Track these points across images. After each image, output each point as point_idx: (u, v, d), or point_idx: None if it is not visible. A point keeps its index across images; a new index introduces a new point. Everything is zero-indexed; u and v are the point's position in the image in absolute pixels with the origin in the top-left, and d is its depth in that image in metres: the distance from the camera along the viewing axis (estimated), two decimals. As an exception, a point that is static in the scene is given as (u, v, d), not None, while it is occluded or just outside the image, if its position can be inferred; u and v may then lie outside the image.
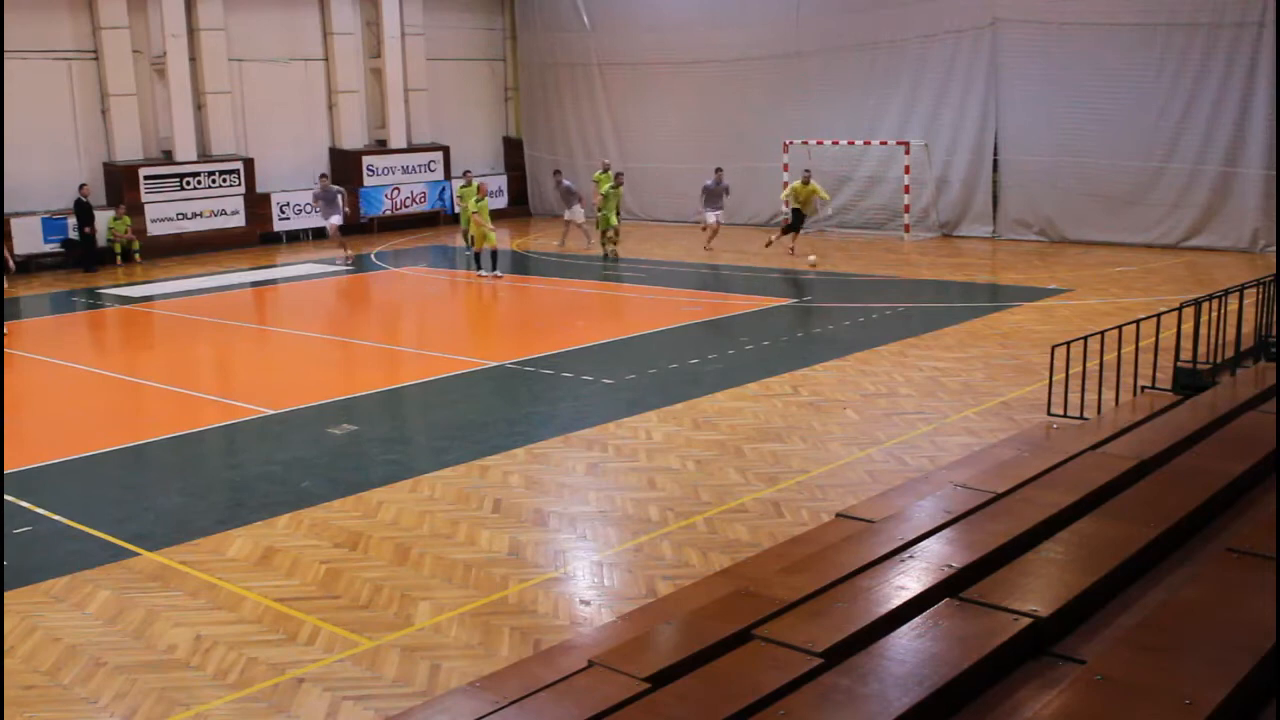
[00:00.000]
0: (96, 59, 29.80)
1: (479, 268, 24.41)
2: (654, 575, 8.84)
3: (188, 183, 30.44)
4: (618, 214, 27.18)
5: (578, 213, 28.40)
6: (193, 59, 30.75)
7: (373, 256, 28.62)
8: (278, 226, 32.12)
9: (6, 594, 8.86)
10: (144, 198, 29.72)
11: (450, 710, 5.87)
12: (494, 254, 24.06)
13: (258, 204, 31.67)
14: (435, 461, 11.76)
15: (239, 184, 31.27)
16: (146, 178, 29.92)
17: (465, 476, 11.30)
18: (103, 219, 28.89)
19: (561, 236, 29.23)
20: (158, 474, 12.13)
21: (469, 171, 29.71)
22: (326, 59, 33.80)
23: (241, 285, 25.11)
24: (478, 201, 24.40)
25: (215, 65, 31.15)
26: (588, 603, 8.54)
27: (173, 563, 9.38)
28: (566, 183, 29.25)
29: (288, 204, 32.31)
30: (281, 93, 32.96)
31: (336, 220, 27.88)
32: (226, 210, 31.02)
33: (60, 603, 8.71)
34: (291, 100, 33.16)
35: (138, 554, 9.58)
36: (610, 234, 26.69)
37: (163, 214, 30.06)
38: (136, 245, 29.11)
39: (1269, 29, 23.49)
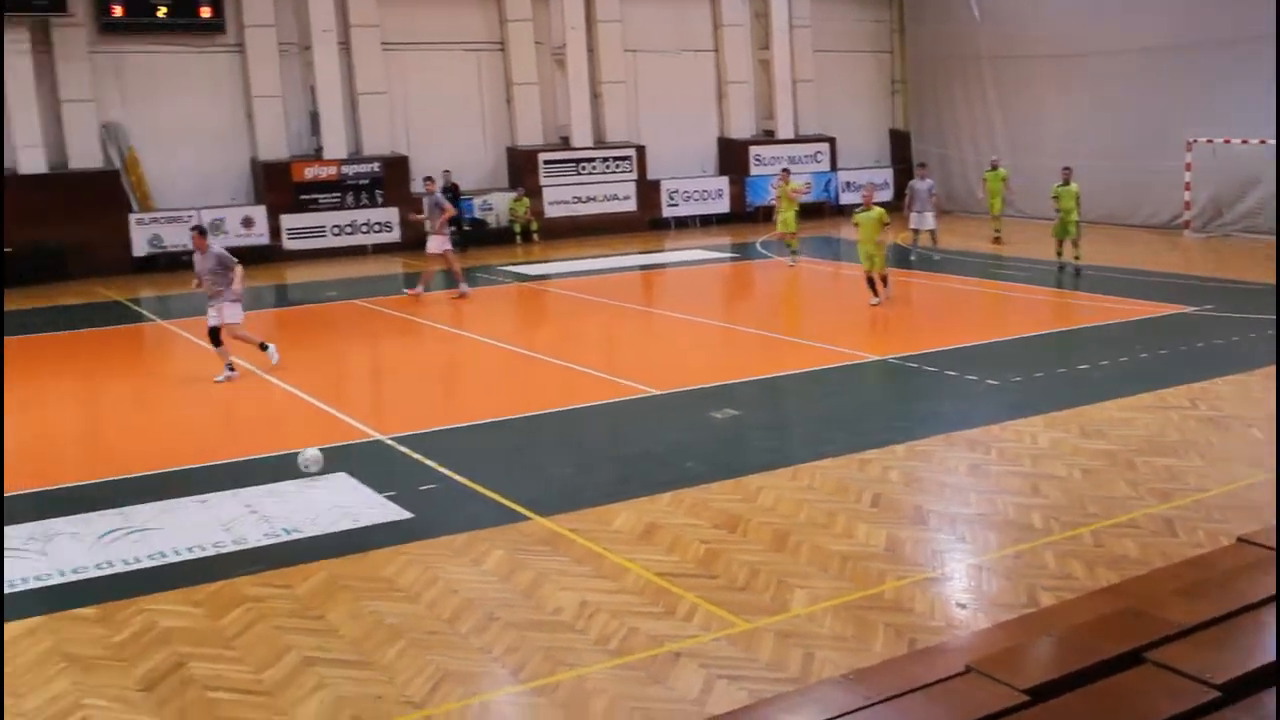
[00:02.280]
0: (503, 50, 31.50)
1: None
2: (1035, 584, 8.59)
3: (583, 168, 31.79)
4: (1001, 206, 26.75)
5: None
6: (590, 50, 32.06)
7: (758, 245, 28.96)
8: (666, 213, 33.06)
9: (413, 544, 9.56)
10: (542, 181, 31.24)
11: (822, 701, 5.89)
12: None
13: (648, 190, 32.69)
14: (814, 452, 11.82)
15: (631, 170, 32.39)
16: (545, 162, 31.43)
17: (844, 468, 11.32)
18: (504, 200, 30.62)
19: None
20: (549, 445, 12.74)
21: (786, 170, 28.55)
22: (716, 50, 34.48)
23: (630, 268, 26.00)
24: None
25: (611, 56, 32.37)
26: (964, 606, 8.39)
27: (561, 529, 9.84)
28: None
29: (676, 191, 33.19)
30: (672, 83, 33.88)
31: (443, 245, 22.76)
32: (618, 195, 32.20)
33: (459, 557, 9.32)
34: (682, 90, 34.02)
35: (529, 518, 10.11)
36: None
37: (559, 197, 31.50)
38: (535, 226, 30.67)
39: None
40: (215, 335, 15.58)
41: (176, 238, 26.69)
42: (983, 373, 14.99)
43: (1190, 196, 27.69)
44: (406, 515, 10.26)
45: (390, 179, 29.51)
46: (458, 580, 8.86)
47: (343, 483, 11.09)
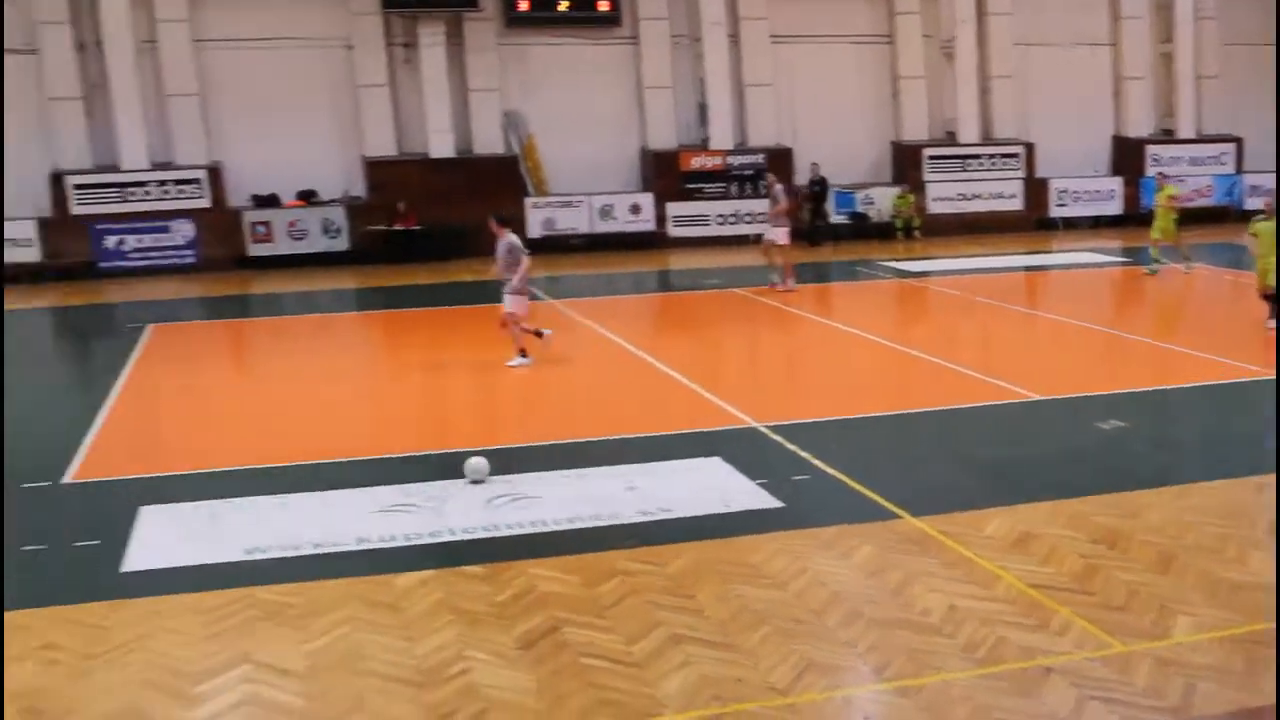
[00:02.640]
0: (890, 43, 31.21)
1: None
2: None
3: (969, 164, 31.12)
4: None
5: None
6: (979, 43, 31.34)
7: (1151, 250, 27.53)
8: (1054, 212, 31.97)
9: (782, 532, 9.66)
10: (925, 177, 30.81)
11: (1207, 733, 5.62)
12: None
13: (1036, 189, 31.70)
14: (1206, 471, 11.16)
15: (1019, 168, 31.50)
16: (930, 157, 30.97)
17: (1238, 491, 10.63)
18: (886, 195, 30.42)
19: None
20: (923, 444, 12.57)
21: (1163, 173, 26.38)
22: (1114, 43, 32.96)
23: (1014, 268, 25.30)
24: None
25: (1001, 49, 31.57)
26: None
27: (932, 531, 9.71)
28: None
29: (1065, 190, 32.03)
30: (1064, 78, 32.70)
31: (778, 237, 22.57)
32: (1004, 193, 31.40)
33: (828, 550, 9.34)
34: (1074, 85, 32.77)
35: (900, 517, 10.02)
36: None
37: (943, 193, 30.99)
38: (917, 222, 30.31)
39: None
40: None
41: (568, 221, 27.94)
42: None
43: None
44: (777, 504, 10.37)
45: (774, 169, 29.77)
46: (825, 572, 8.89)
47: (717, 467, 11.33)
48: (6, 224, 25.99)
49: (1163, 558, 9.14)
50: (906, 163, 30.98)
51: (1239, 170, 33.42)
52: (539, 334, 16.35)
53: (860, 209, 30.32)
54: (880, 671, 7.43)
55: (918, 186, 30.64)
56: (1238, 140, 33.57)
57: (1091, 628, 7.97)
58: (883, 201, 30.58)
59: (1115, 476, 11.02)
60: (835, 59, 31.08)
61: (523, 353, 16.12)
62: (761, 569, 8.96)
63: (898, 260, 26.26)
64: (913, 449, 12.35)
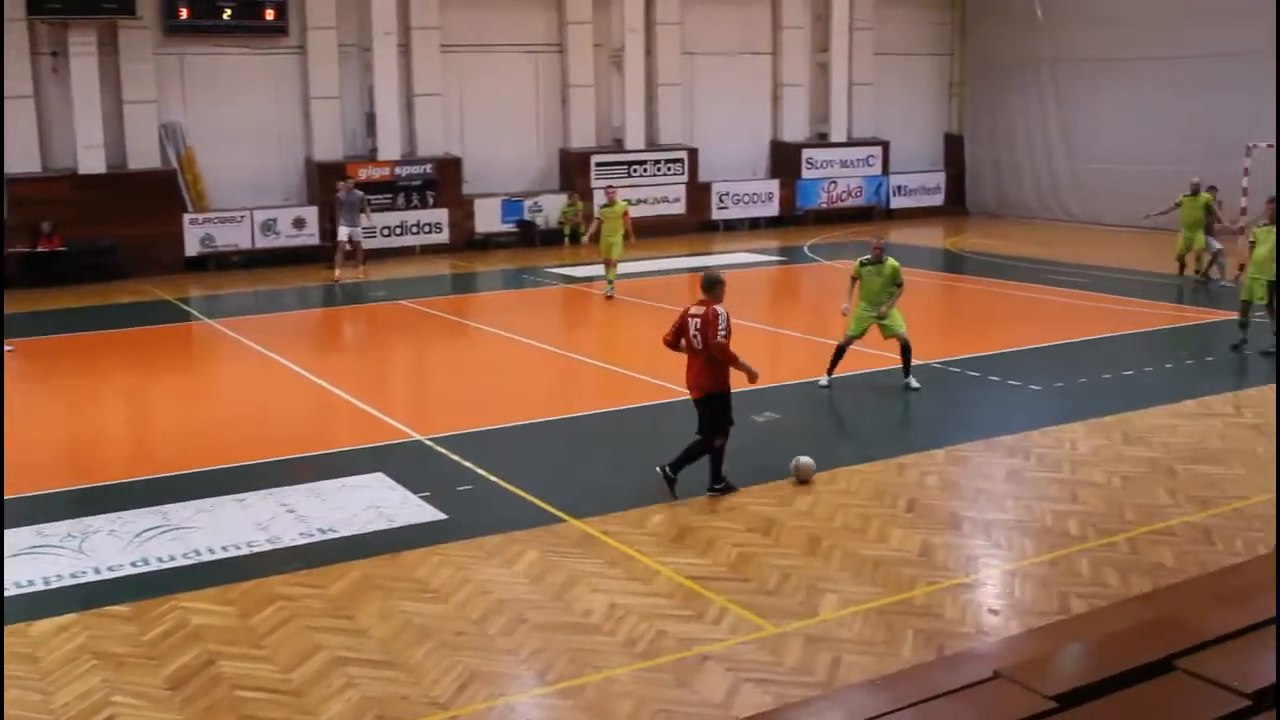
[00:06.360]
0: (561, 52, 31.55)
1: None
2: (1068, 592, 8.50)
3: (634, 170, 31.76)
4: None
5: None
6: (648, 52, 32.03)
7: (806, 249, 28.84)
8: (715, 215, 32.97)
9: (447, 544, 9.59)
10: (593, 183, 31.24)
11: (847, 705, 5.87)
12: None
13: (698, 193, 32.63)
14: (852, 456, 11.76)
15: (683, 173, 32.33)
16: (597, 164, 31.45)
17: (881, 473, 11.25)
18: (555, 202, 30.73)
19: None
20: (587, 447, 12.75)
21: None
22: (774, 52, 34.33)
23: (676, 270, 25.94)
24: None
25: (669, 58, 32.30)
26: (996, 612, 8.32)
27: (595, 531, 9.84)
28: None
29: (727, 194, 33.11)
30: (728, 85, 33.78)
31: (357, 233, 25.49)
32: (669, 198, 32.15)
33: (491, 559, 9.34)
34: (737, 93, 33.92)
35: (563, 520, 10.12)
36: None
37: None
38: (583, 229, 30.58)
39: None
40: None
41: (229, 237, 26.98)
42: (1026, 378, 14.85)
43: (1246, 202, 27.25)
44: (441, 516, 10.30)
45: (443, 180, 29.66)
46: (489, 581, 8.89)
47: (380, 483, 11.15)
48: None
49: (812, 541, 9.57)
50: (575, 170, 31.34)
51: (885, 172, 35.35)
52: None
53: (528, 216, 30.48)
54: (543, 675, 7.48)
55: (586, 193, 31.05)
56: (885, 144, 35.52)
57: (746, 613, 8.26)
58: (551, 209, 30.85)
59: (770, 467, 11.43)
60: (507, 68, 31.11)
61: None
62: (426, 583, 8.88)
63: (565, 266, 26.55)
64: (577, 452, 12.50)
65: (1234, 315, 16.90)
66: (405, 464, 11.80)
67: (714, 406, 10.64)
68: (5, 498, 10.69)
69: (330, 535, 9.88)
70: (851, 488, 10.87)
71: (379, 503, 10.58)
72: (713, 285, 10.80)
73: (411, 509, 10.45)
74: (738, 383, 10.65)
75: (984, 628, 8.04)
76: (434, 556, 9.35)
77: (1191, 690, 5.06)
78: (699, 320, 10.56)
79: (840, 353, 14.75)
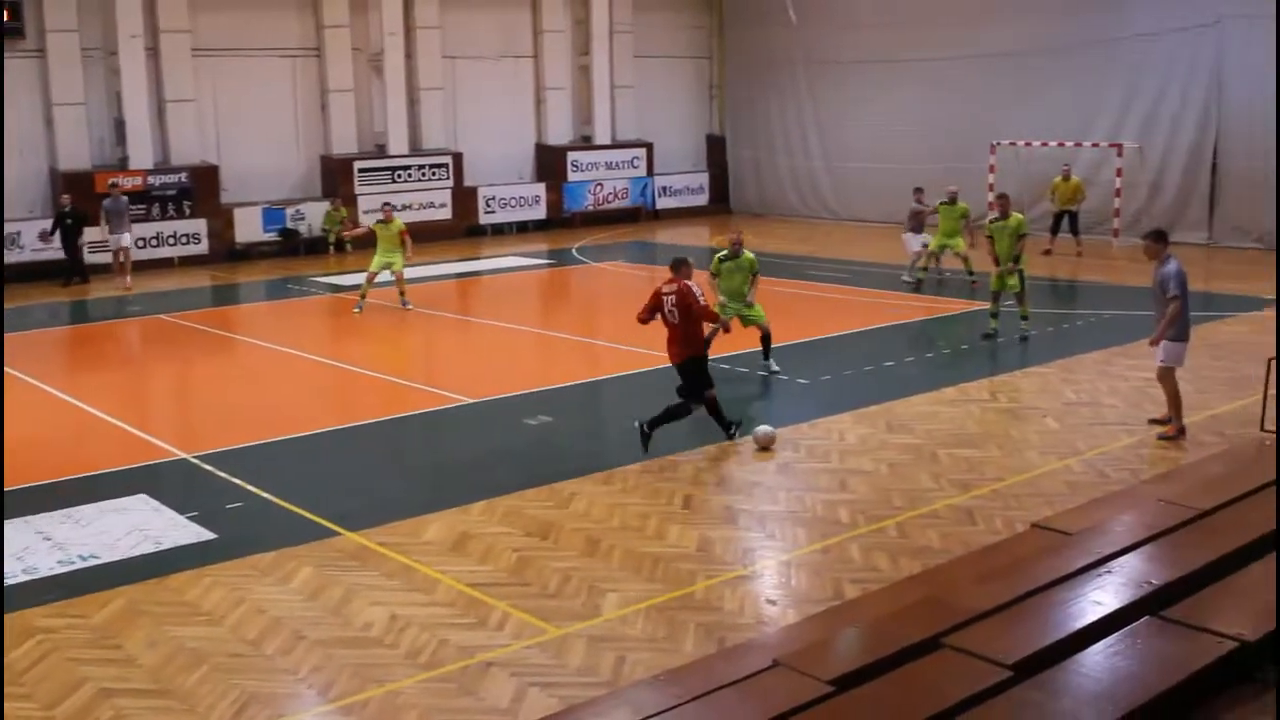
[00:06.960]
0: (319, 57, 30.92)
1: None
2: (841, 578, 8.76)
3: (399, 175, 31.36)
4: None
5: None
6: (409, 56, 31.66)
7: (574, 251, 28.98)
8: (483, 219, 32.82)
9: (217, 565, 9.29)
10: (357, 189, 30.73)
11: (633, 703, 5.93)
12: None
13: (465, 197, 32.43)
14: (628, 456, 11.85)
15: (448, 177, 32.08)
16: (360, 170, 30.94)
17: (656, 471, 11.38)
18: (318, 210, 30.08)
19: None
20: (360, 458, 12.51)
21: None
22: (536, 56, 34.38)
23: (447, 276, 25.73)
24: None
25: (430, 62, 32.00)
26: (774, 602, 8.52)
27: (372, 544, 9.68)
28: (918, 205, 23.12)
29: (493, 198, 33.00)
30: (492, 89, 33.64)
31: (126, 240, 25.12)
32: (435, 203, 31.85)
33: (266, 577, 9.08)
34: (501, 96, 33.82)
35: (339, 534, 9.92)
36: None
37: (374, 205, 30.95)
38: (348, 241, 30.05)
39: None
40: None
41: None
42: (794, 372, 15.24)
43: (992, 197, 28.62)
44: (211, 536, 9.96)
45: (200, 189, 28.67)
46: (264, 600, 8.64)
47: (143, 505, 10.70)
48: None
49: (590, 542, 9.61)
50: (337, 176, 30.74)
51: (650, 173, 35.80)
52: None
53: (291, 225, 29.74)
54: (324, 693, 7.32)
55: (349, 200, 30.49)
56: (648, 146, 35.95)
57: (528, 617, 8.24)
58: (314, 216, 30.19)
59: (546, 470, 11.46)
60: (263, 72, 30.26)
61: None
62: (197, 606, 8.58)
63: (330, 275, 26.02)
64: (351, 464, 12.26)
65: (985, 306, 17.70)
66: (170, 484, 11.38)
67: (692, 368, 12.01)
68: None
69: (92, 562, 9.43)
70: (627, 487, 10.96)
71: (143, 525, 10.16)
72: (680, 265, 12.21)
73: (179, 530, 10.07)
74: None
75: (763, 618, 8.21)
76: (204, 578, 9.04)
77: (958, 665, 5.28)
78: (674, 297, 11.88)
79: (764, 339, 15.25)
